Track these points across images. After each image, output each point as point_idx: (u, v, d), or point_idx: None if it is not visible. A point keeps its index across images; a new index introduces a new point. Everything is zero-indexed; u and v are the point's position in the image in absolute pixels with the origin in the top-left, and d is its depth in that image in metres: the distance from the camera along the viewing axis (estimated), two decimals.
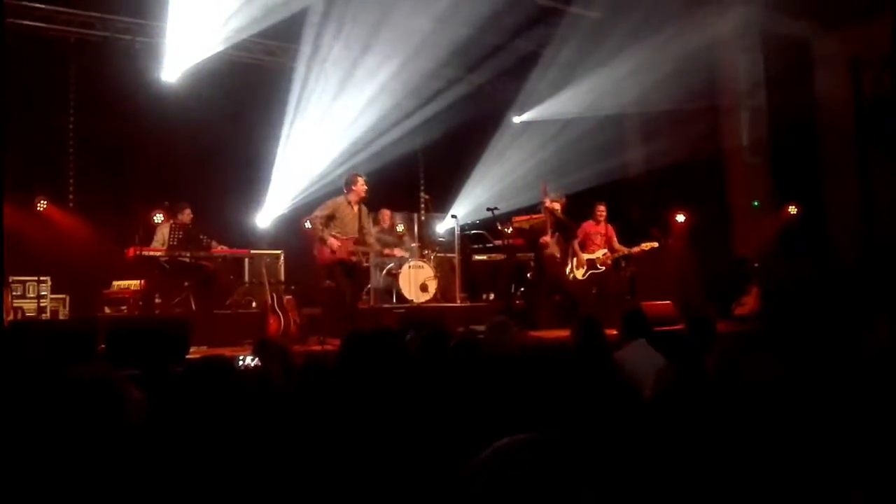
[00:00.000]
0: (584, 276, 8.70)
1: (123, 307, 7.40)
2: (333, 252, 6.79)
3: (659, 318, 7.72)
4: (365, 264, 7.75)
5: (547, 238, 8.35)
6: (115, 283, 7.37)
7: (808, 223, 10.39)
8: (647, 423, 2.28)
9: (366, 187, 6.95)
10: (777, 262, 9.82)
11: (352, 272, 7.00)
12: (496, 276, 9.41)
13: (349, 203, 6.94)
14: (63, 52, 8.54)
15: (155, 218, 8.12)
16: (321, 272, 7.01)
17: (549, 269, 8.41)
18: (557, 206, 8.42)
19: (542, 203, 8.41)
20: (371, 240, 7.24)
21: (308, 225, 6.95)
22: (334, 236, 6.82)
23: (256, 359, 2.88)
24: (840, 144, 10.12)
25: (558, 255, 8.45)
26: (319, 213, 6.91)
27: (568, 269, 8.73)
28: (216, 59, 8.95)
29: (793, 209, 10.58)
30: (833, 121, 10.19)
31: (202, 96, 8.87)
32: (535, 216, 9.54)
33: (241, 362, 3.19)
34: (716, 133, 10.89)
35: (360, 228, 6.92)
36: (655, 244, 8.77)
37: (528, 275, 9.44)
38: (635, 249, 8.72)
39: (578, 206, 9.02)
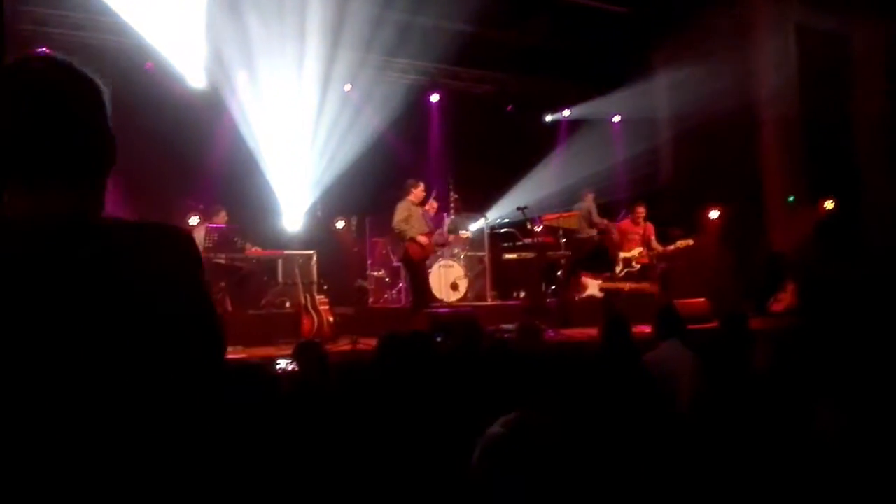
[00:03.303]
0: (620, 273, 8.77)
1: None
2: (423, 247, 7.31)
3: (692, 315, 7.65)
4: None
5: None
6: None
7: (844, 219, 10.20)
8: (677, 425, 2.28)
9: (422, 189, 7.53)
10: (813, 257, 9.66)
11: (423, 271, 7.60)
12: (527, 275, 9.41)
13: (414, 205, 7.44)
14: (98, 57, 8.69)
15: (190, 221, 8.27)
16: (407, 270, 7.56)
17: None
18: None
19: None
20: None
21: (397, 230, 7.37)
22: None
23: (294, 363, 2.93)
24: (877, 138, 9.91)
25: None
26: (400, 217, 7.35)
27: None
28: None
29: (829, 204, 10.40)
30: (869, 114, 9.99)
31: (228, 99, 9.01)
32: (564, 214, 9.53)
33: (279, 366, 3.25)
34: (750, 128, 10.74)
35: (427, 226, 7.52)
36: (690, 242, 8.80)
37: (559, 273, 9.43)
38: (671, 248, 8.83)
39: (614, 206, 9.08)
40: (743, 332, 4.90)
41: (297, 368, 2.82)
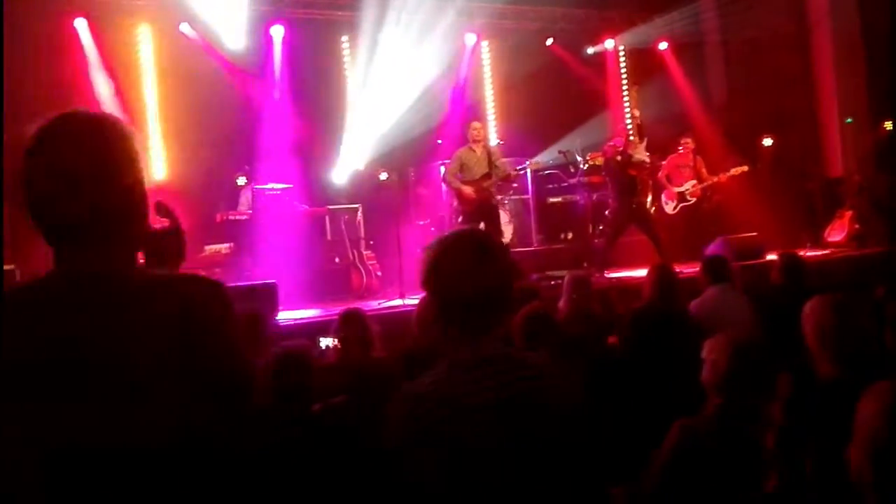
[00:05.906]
0: (674, 209, 8.64)
1: (218, 269, 7.75)
2: (471, 196, 7.09)
3: (744, 250, 7.51)
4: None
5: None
6: (207, 247, 7.70)
7: None
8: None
9: (478, 129, 7.29)
10: (874, 180, 9.28)
11: (490, 215, 7.27)
12: (572, 217, 9.32)
13: (471, 149, 7.24)
14: (134, 18, 8.64)
15: (238, 181, 8.40)
16: (465, 220, 7.30)
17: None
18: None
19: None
20: (498, 172, 7.34)
21: (444, 185, 7.31)
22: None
23: (335, 340, 3.03)
24: None
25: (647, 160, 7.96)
26: (449, 168, 7.25)
27: (650, 203, 8.59)
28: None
29: (889, 125, 9.90)
30: None
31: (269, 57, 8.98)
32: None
33: (322, 344, 3.37)
34: (804, 47, 10.22)
35: (490, 166, 7.19)
36: (745, 168, 8.58)
37: (606, 213, 9.29)
38: (723, 176, 8.60)
39: (663, 138, 8.80)
40: (800, 276, 4.69)
41: (339, 346, 2.92)
